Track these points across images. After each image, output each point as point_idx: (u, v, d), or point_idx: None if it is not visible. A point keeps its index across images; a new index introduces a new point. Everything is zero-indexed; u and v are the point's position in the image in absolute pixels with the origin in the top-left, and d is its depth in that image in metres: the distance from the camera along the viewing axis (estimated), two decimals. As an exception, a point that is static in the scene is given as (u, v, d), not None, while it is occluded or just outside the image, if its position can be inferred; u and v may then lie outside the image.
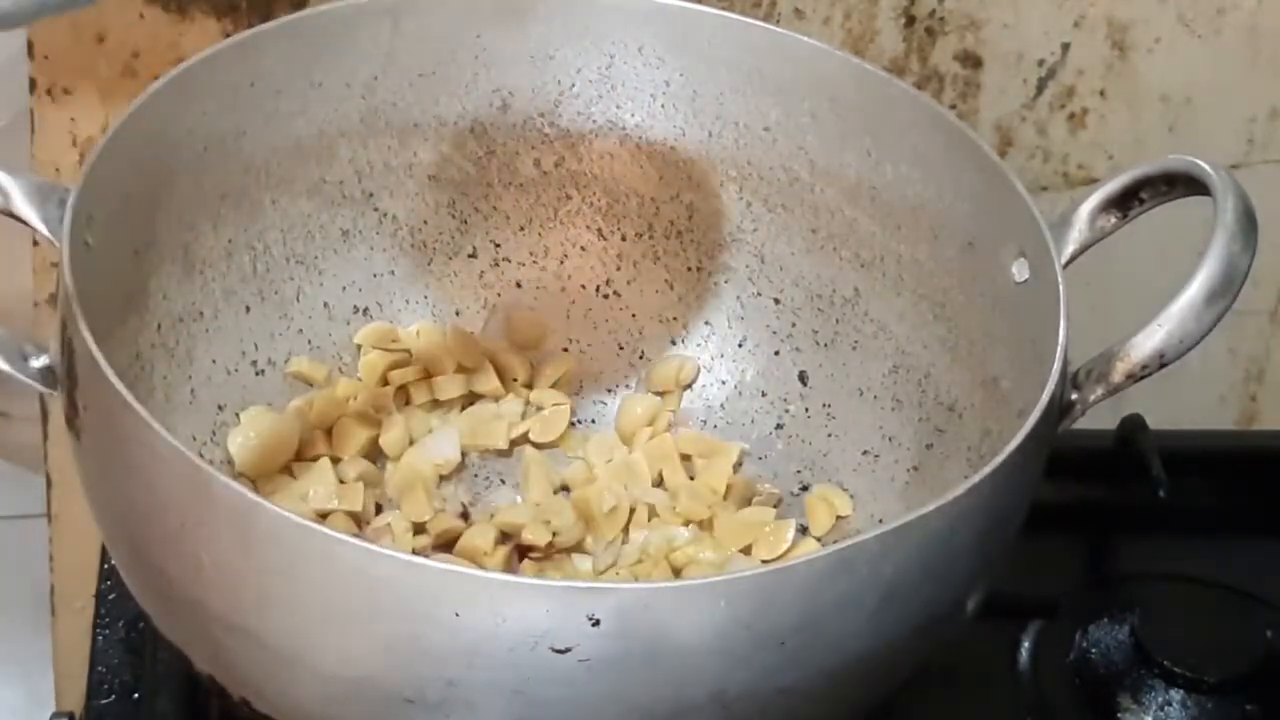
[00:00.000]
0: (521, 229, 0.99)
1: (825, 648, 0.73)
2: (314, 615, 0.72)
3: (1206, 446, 1.06)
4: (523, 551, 0.90)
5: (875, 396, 0.95)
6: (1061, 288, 0.82)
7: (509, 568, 0.90)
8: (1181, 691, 0.91)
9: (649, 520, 0.93)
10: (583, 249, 0.99)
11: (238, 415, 0.92)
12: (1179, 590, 0.97)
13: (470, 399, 0.97)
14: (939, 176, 0.90)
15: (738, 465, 0.96)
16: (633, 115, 0.96)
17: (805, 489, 0.96)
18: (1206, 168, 0.81)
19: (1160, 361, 0.79)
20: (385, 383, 0.96)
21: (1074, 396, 0.80)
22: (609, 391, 0.99)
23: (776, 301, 0.97)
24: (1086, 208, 0.85)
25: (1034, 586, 0.95)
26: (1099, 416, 0.83)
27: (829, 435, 0.96)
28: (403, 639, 0.71)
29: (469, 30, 0.94)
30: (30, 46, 1.05)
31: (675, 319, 0.99)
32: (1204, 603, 0.96)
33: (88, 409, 0.77)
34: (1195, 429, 1.14)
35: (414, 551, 0.88)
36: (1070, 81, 1.09)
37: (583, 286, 1.00)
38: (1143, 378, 0.80)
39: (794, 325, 0.97)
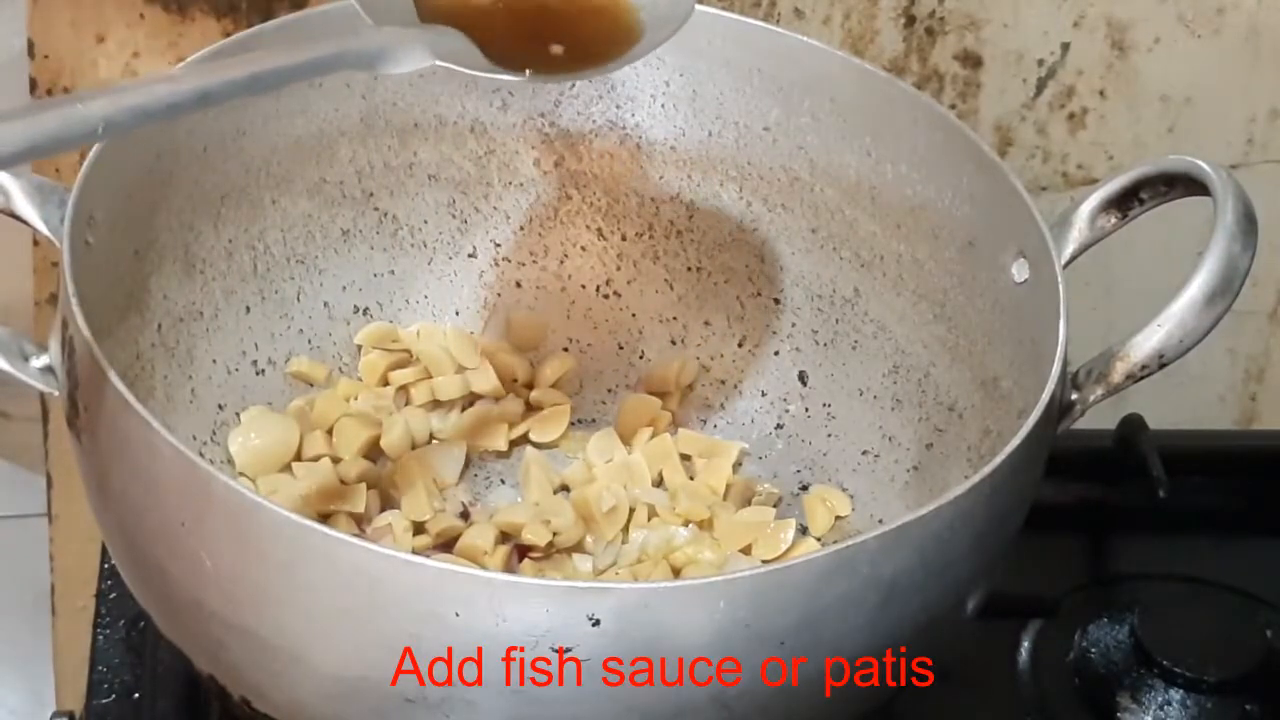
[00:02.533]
0: (521, 229, 0.99)
1: (825, 648, 0.73)
2: (314, 615, 0.72)
3: (1206, 446, 1.06)
4: (523, 551, 0.90)
5: (875, 396, 0.95)
6: (1061, 288, 0.82)
7: (509, 568, 0.90)
8: (1181, 691, 0.91)
9: (649, 520, 0.93)
10: (583, 249, 0.99)
11: (238, 415, 0.92)
12: (1179, 590, 0.97)
13: (470, 399, 0.97)
14: (939, 176, 0.90)
15: (737, 465, 0.96)
16: (633, 115, 0.96)
17: (805, 489, 0.96)
18: (1206, 168, 0.81)
19: (1160, 361, 0.79)
20: (385, 383, 0.97)
21: (1074, 396, 0.81)
22: (609, 391, 0.99)
23: (776, 301, 0.97)
24: (1086, 208, 0.85)
25: (1034, 586, 0.95)
26: (1099, 416, 0.83)
27: (829, 435, 0.96)
28: (403, 639, 0.71)
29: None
30: (30, 46, 1.05)
31: (675, 319, 0.99)
32: (1204, 603, 0.96)
33: (88, 409, 0.77)
34: (1195, 429, 1.14)
35: (414, 551, 0.88)
36: (1070, 81, 1.09)
37: (583, 286, 1.00)
38: (1143, 378, 0.80)
39: (794, 325, 0.97)
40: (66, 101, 0.67)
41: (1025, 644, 0.95)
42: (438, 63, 0.77)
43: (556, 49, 0.80)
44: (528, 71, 0.80)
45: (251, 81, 0.72)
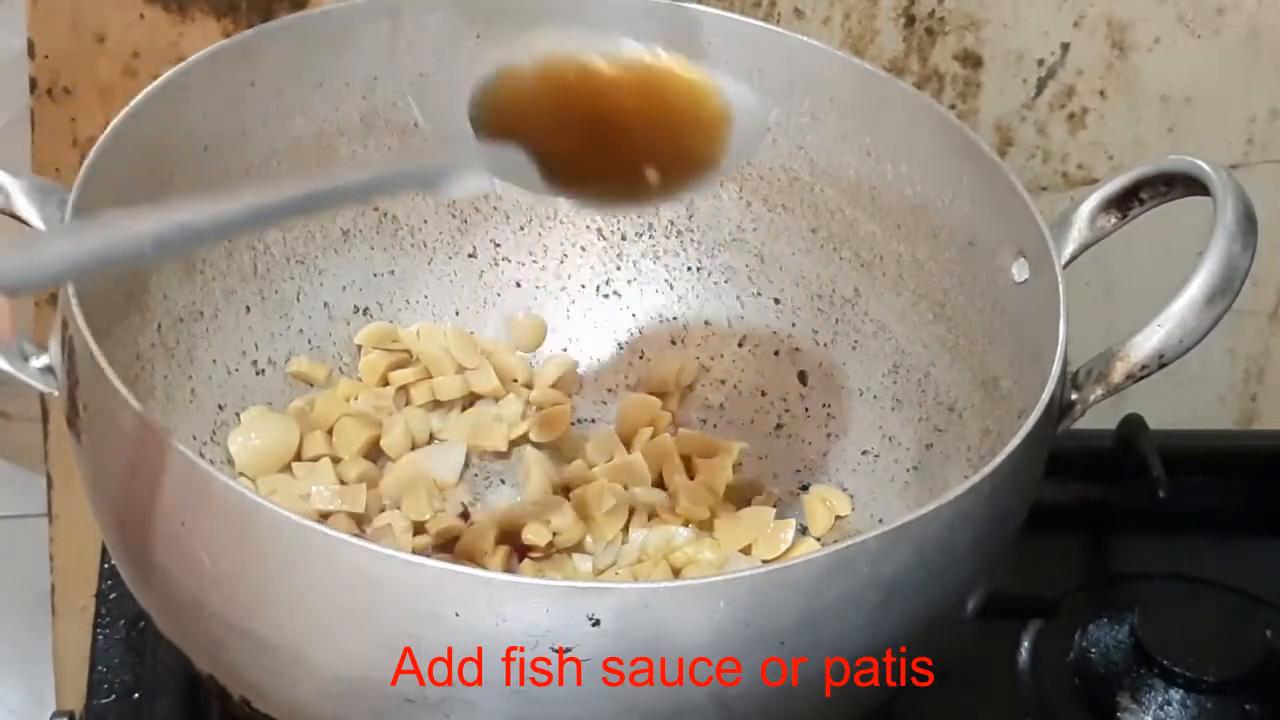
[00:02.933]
0: (521, 229, 0.99)
1: (825, 648, 0.73)
2: (314, 615, 0.72)
3: (1206, 446, 1.06)
4: (523, 551, 0.90)
5: (875, 396, 0.95)
6: (1061, 288, 0.82)
7: (509, 568, 0.90)
8: (1181, 691, 0.91)
9: (649, 520, 0.93)
10: (583, 249, 0.99)
11: (238, 415, 0.92)
12: (1179, 590, 0.97)
13: (470, 399, 0.97)
14: (939, 176, 0.90)
15: (738, 465, 0.96)
16: (633, 115, 0.96)
17: (805, 489, 0.96)
18: (1206, 168, 0.81)
19: (1160, 361, 0.79)
20: (385, 383, 0.96)
21: (1074, 396, 0.81)
22: (609, 391, 0.99)
23: (776, 301, 0.97)
24: (1086, 208, 0.85)
25: (1034, 586, 0.95)
26: (1099, 416, 0.83)
27: (829, 435, 0.96)
28: (403, 639, 0.71)
29: (468, 30, 0.94)
30: (30, 46, 1.05)
31: (675, 319, 0.99)
32: (1204, 603, 0.96)
33: (88, 409, 0.77)
34: (1195, 429, 1.14)
35: (414, 551, 0.88)
36: (1070, 81, 1.09)
37: (583, 286, 1.00)
38: (1143, 378, 0.80)
39: (794, 325, 0.97)
40: (113, 221, 0.66)
41: (1025, 644, 0.95)
42: (498, 183, 0.76)
43: (652, 174, 0.77)
44: (596, 199, 0.78)
45: (307, 201, 0.71)
